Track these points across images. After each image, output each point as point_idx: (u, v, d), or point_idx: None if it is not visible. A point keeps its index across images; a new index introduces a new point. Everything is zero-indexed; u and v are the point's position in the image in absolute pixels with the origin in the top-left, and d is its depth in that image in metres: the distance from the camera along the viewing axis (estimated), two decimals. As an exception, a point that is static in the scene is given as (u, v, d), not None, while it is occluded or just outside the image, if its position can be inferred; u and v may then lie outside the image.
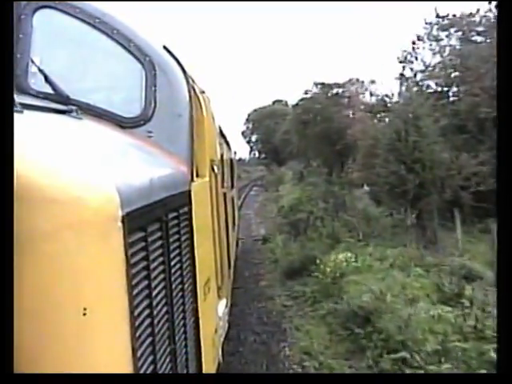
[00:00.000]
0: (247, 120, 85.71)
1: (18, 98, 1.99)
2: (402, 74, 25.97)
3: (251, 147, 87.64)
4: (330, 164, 36.51)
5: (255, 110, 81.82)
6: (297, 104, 39.59)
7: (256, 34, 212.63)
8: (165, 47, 3.17)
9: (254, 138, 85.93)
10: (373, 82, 33.47)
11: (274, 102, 79.37)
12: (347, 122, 32.22)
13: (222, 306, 4.67)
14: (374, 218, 19.41)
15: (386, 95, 28.24)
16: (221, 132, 7.56)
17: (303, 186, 30.70)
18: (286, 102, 72.53)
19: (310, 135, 36.00)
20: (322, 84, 35.70)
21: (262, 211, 29.46)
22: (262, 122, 76.63)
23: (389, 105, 26.42)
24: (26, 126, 1.87)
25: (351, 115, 33.68)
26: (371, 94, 32.70)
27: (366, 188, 27.09)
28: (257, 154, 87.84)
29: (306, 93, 37.21)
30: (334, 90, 35.29)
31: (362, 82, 34.35)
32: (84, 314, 1.50)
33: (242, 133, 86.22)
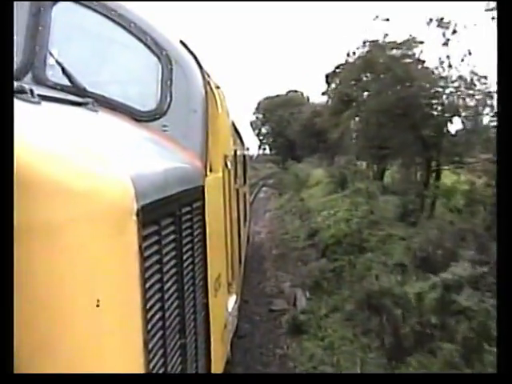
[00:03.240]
0: (257, 109, 71.34)
1: (36, 90, 2.00)
2: None
3: (261, 141, 73.07)
4: (407, 162, 20.36)
5: (267, 98, 68.91)
6: (334, 72, 26.33)
7: (269, 22, 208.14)
8: (181, 42, 3.17)
9: (264, 130, 71.70)
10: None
11: (288, 93, 66.84)
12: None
13: (231, 302, 4.68)
14: None
15: None
16: (234, 127, 7.56)
17: (350, 197, 16.98)
18: (302, 92, 66.20)
19: (362, 115, 21.32)
20: (373, 41, 19.55)
21: (278, 231, 18.08)
22: (275, 112, 64.30)
23: None
24: (43, 117, 1.88)
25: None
26: None
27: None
28: (267, 150, 73.71)
29: (348, 55, 22.03)
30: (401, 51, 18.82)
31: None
32: (97, 306, 1.51)
33: (251, 124, 71.68)
